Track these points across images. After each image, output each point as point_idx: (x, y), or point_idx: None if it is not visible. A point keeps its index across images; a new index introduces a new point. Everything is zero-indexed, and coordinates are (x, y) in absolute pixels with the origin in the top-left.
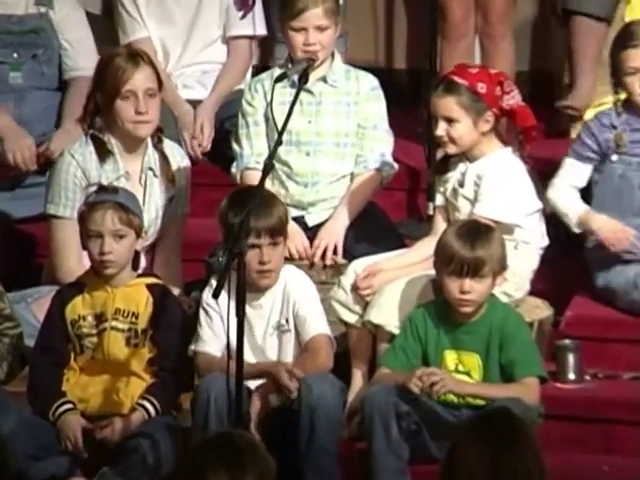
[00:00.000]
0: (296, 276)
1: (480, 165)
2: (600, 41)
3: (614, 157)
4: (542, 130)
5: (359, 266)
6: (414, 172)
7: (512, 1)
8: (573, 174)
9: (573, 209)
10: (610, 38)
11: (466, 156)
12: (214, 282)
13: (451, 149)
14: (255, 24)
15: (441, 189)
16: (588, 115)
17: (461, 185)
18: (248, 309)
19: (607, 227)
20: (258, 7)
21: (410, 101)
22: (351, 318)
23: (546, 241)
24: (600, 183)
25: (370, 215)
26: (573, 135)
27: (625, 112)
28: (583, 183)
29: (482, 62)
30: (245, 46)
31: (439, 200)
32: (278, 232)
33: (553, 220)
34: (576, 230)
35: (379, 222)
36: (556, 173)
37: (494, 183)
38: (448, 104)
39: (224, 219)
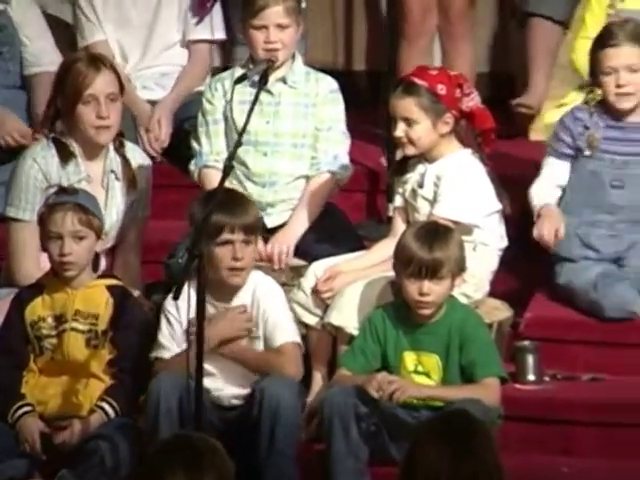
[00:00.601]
0: (265, 282)
1: (439, 166)
2: (556, 43)
3: (587, 152)
4: (501, 131)
5: (319, 268)
6: (373, 173)
7: (471, 1)
8: (552, 173)
9: (539, 205)
10: (567, 40)
11: (425, 157)
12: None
13: (410, 150)
14: (214, 28)
15: (400, 190)
16: (550, 117)
17: (420, 186)
18: (217, 311)
19: (544, 221)
20: (217, 11)
21: (369, 102)
22: (311, 320)
23: (505, 242)
24: (572, 179)
25: (330, 216)
26: (532, 137)
27: (598, 112)
28: (564, 181)
29: (442, 62)
30: (204, 50)
31: (398, 201)
32: (252, 230)
33: (513, 221)
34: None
35: (339, 223)
36: (538, 173)
37: (453, 184)
38: (407, 105)
39: (194, 219)
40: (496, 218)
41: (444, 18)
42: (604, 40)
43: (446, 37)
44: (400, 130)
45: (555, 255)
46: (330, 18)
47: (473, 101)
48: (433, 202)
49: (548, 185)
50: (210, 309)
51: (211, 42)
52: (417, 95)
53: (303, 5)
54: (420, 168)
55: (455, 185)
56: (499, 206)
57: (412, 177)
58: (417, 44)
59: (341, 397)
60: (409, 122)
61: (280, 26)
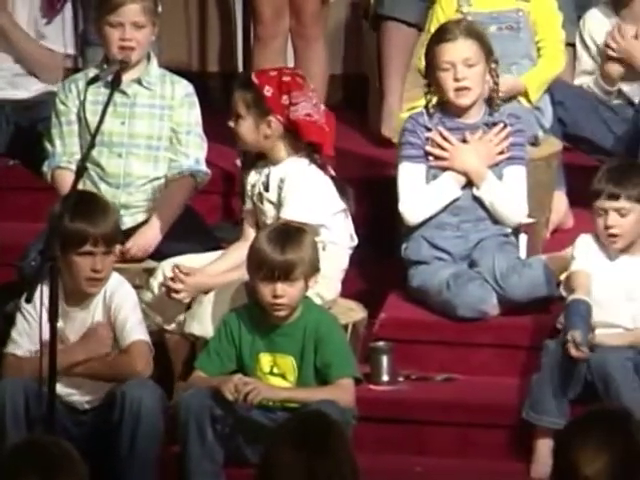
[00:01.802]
0: (117, 282)
1: (282, 169)
2: (411, 45)
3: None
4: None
5: (168, 267)
6: (229, 175)
7: (324, 3)
8: (410, 178)
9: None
10: (421, 42)
11: (270, 160)
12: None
13: (240, 145)
14: (65, 42)
15: (249, 193)
16: (403, 119)
17: (266, 189)
18: (69, 316)
19: None
20: (68, 20)
21: (224, 103)
22: (164, 323)
23: (355, 241)
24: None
25: (185, 218)
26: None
27: (438, 112)
28: (423, 183)
29: (295, 64)
30: (57, 56)
31: (248, 204)
32: (113, 240)
33: (364, 221)
34: None
35: (194, 225)
36: (398, 188)
37: (295, 186)
38: (237, 99)
39: (54, 222)
40: (342, 217)
41: (296, 20)
42: (440, 36)
43: (299, 39)
44: (231, 122)
45: (406, 260)
46: (184, 19)
47: (298, 112)
48: (278, 205)
49: (424, 191)
50: (61, 313)
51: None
52: (245, 91)
53: (159, 10)
54: (265, 171)
55: (297, 187)
56: (343, 205)
57: (259, 180)
58: (271, 45)
59: (197, 399)
60: (237, 116)
61: (136, 25)
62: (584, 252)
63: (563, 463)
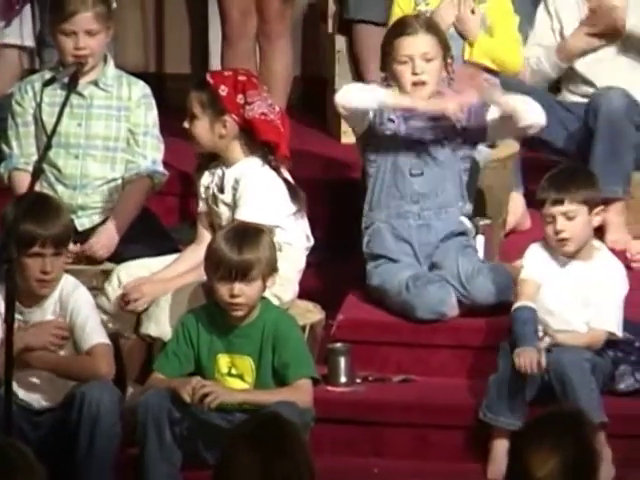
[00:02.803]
0: (72, 285)
1: (236, 170)
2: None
3: (387, 144)
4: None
5: (123, 272)
6: (186, 177)
7: (289, 7)
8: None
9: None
10: None
11: (224, 161)
12: None
13: (195, 146)
14: (23, 34)
15: (203, 195)
16: None
17: (221, 191)
18: (24, 317)
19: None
20: (26, 16)
21: (181, 105)
22: (118, 326)
23: (311, 241)
24: (374, 175)
25: (143, 219)
26: (344, 139)
27: None
28: None
29: (260, 63)
30: (14, 55)
31: (201, 206)
32: (63, 242)
33: (322, 222)
34: None
35: (151, 226)
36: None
37: (249, 186)
38: (192, 100)
39: (6, 223)
40: (297, 218)
41: (261, 18)
42: (399, 29)
43: (264, 38)
44: (186, 122)
45: (369, 253)
46: (140, 20)
47: (253, 111)
48: (233, 207)
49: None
50: (17, 315)
51: (20, 48)
52: (200, 91)
53: (114, 5)
54: (219, 172)
55: (252, 188)
56: (298, 206)
57: (213, 182)
58: (239, 46)
59: (155, 401)
60: (192, 117)
61: (89, 32)
62: (534, 261)
63: (516, 465)
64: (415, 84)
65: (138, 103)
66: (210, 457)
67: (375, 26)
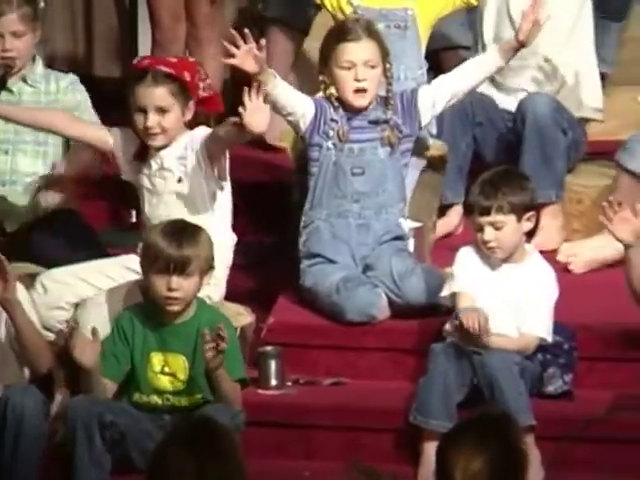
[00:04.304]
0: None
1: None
2: (293, 51)
3: (329, 144)
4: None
5: (47, 280)
6: (115, 181)
7: (218, 5)
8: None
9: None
10: (313, 48)
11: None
12: None
13: (160, 141)
14: None
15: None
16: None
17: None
18: None
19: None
20: None
21: (113, 108)
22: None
23: (234, 239)
24: (316, 174)
25: (71, 223)
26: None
27: (340, 105)
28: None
29: None
30: None
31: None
32: None
33: (254, 223)
34: None
35: (79, 229)
36: None
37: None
38: (161, 94)
39: None
40: (223, 212)
41: (191, 23)
42: (342, 34)
43: (192, 41)
44: (152, 121)
45: (305, 252)
46: (70, 23)
47: (205, 88)
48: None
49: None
50: None
51: None
52: (169, 83)
53: (42, 5)
54: (158, 160)
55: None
56: (222, 202)
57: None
58: (169, 51)
59: (85, 405)
60: (162, 111)
61: (16, 34)
62: (465, 268)
63: (441, 467)
64: (357, 91)
65: (65, 90)
66: (140, 461)
67: (289, 30)
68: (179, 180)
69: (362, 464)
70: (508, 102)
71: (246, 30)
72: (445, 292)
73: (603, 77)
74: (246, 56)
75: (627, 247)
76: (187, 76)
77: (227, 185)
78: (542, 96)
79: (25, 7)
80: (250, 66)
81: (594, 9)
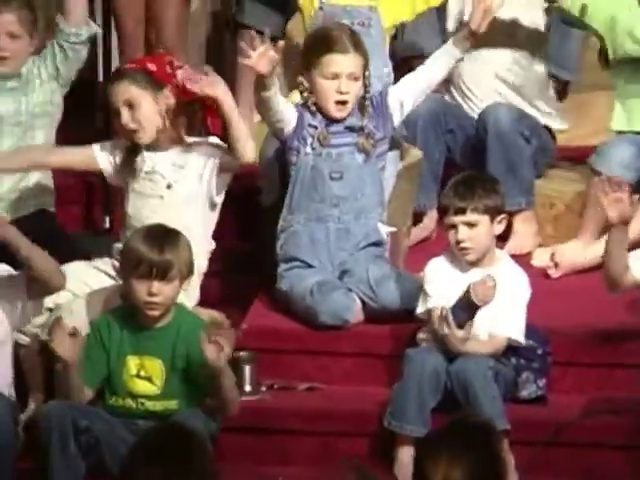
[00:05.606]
0: None
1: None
2: None
3: (307, 149)
4: None
5: None
6: (90, 186)
7: (184, 15)
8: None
9: None
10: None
11: (154, 147)
12: None
13: (143, 138)
14: None
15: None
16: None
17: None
18: None
19: None
20: None
21: (86, 111)
22: (20, 338)
23: (213, 245)
24: (294, 178)
25: (45, 226)
26: None
27: (317, 111)
28: None
29: None
30: None
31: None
32: None
33: (229, 231)
34: None
35: (54, 234)
36: None
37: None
38: (125, 88)
39: None
40: (208, 224)
41: (155, 29)
42: (329, 45)
43: (161, 46)
44: (125, 117)
45: (282, 255)
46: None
47: (185, 74)
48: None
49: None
50: None
51: None
52: (132, 76)
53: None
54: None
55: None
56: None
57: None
58: (135, 56)
59: (59, 410)
60: (132, 105)
61: (11, 35)
62: (435, 281)
63: (419, 475)
64: (338, 103)
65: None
66: (113, 467)
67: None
68: (168, 186)
69: (362, 465)
70: (474, 110)
71: (266, 30)
72: (420, 309)
73: (565, 84)
74: (261, 58)
75: (613, 227)
76: (152, 67)
77: (221, 199)
78: (501, 105)
79: (24, 10)
80: (263, 68)
81: (555, 14)
